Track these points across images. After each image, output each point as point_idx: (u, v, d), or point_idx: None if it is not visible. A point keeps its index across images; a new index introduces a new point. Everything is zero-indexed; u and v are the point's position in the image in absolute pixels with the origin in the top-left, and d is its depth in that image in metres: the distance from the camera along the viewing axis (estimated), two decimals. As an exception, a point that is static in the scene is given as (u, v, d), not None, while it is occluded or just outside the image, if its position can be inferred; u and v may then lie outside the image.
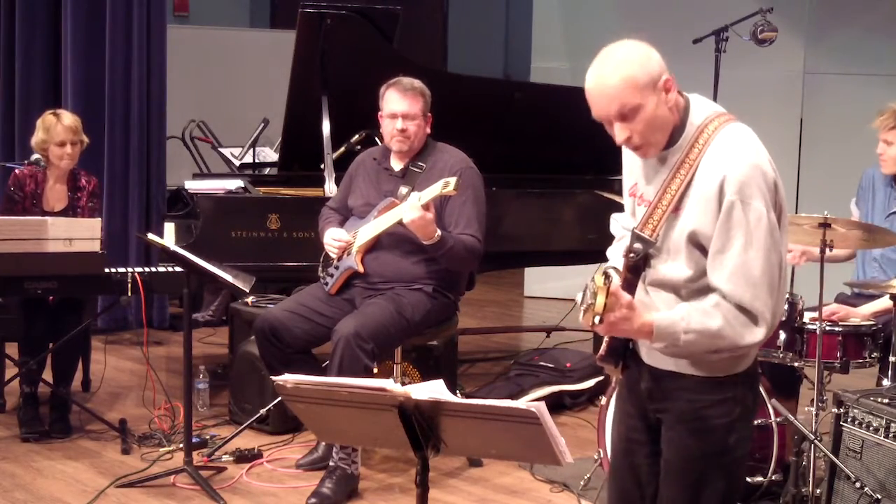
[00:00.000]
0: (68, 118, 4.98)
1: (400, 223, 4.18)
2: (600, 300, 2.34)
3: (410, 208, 4.10)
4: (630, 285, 2.53)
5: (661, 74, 2.47)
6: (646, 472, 2.72)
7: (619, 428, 2.79)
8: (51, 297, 4.86)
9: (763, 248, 2.43)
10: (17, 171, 5.04)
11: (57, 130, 4.92)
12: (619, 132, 2.49)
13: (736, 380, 2.57)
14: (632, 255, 2.53)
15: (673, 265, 2.53)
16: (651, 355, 2.62)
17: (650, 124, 2.47)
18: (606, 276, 2.38)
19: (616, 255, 2.75)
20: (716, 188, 2.44)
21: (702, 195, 2.46)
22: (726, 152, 2.46)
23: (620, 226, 2.85)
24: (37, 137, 4.98)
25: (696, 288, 2.51)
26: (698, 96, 2.58)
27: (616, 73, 2.44)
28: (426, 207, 4.09)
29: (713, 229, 2.45)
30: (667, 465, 2.66)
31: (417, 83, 4.39)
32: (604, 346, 2.63)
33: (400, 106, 4.34)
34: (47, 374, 4.99)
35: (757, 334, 2.45)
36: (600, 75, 2.46)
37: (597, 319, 2.36)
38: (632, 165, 2.67)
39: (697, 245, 2.49)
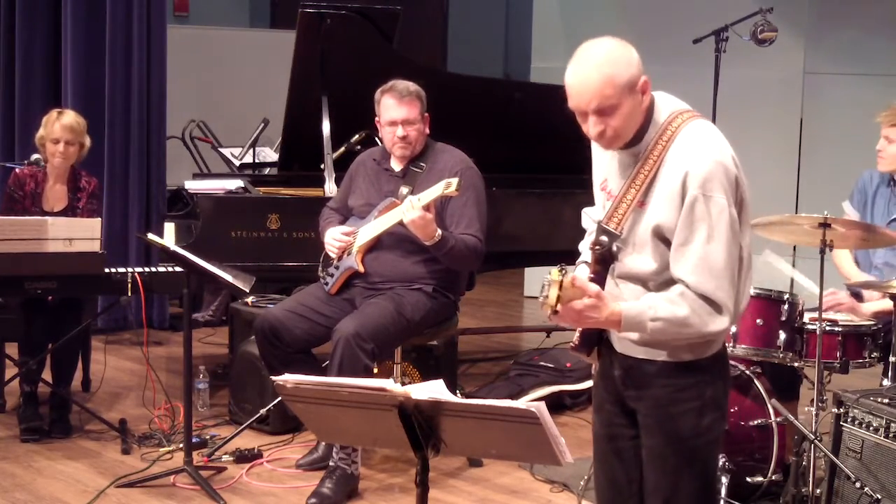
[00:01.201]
0: (68, 117, 4.97)
1: (401, 223, 4.18)
2: (553, 293, 2.41)
3: (411, 208, 4.10)
4: (599, 278, 2.61)
5: (640, 76, 2.54)
6: (630, 456, 2.78)
7: (600, 414, 2.84)
8: (50, 297, 4.86)
9: (725, 240, 2.51)
10: (17, 170, 5.04)
11: (54, 128, 4.92)
12: (593, 126, 2.56)
13: (706, 363, 2.66)
14: (597, 247, 2.61)
15: (639, 258, 2.61)
16: (622, 343, 2.68)
17: (625, 121, 2.55)
18: (561, 269, 2.44)
19: (588, 248, 2.80)
20: (679, 183, 2.52)
21: (666, 190, 2.54)
22: (689, 149, 2.54)
23: (591, 220, 2.91)
24: (38, 133, 5.00)
25: (663, 280, 2.59)
26: (663, 93, 2.65)
27: (600, 70, 2.51)
28: (426, 208, 4.09)
29: (676, 223, 2.53)
30: (646, 451, 2.72)
31: (413, 86, 4.38)
32: (576, 336, 2.71)
33: (399, 113, 4.33)
34: (47, 374, 4.98)
35: (720, 323, 2.54)
36: (583, 71, 2.53)
37: (548, 312, 2.43)
38: (602, 161, 2.75)
39: (662, 239, 2.57)
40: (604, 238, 2.60)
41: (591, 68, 2.51)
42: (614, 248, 2.62)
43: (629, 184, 2.59)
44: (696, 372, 2.64)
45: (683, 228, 2.52)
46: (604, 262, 2.62)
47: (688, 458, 2.67)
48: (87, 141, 5.07)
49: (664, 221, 2.54)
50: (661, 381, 2.64)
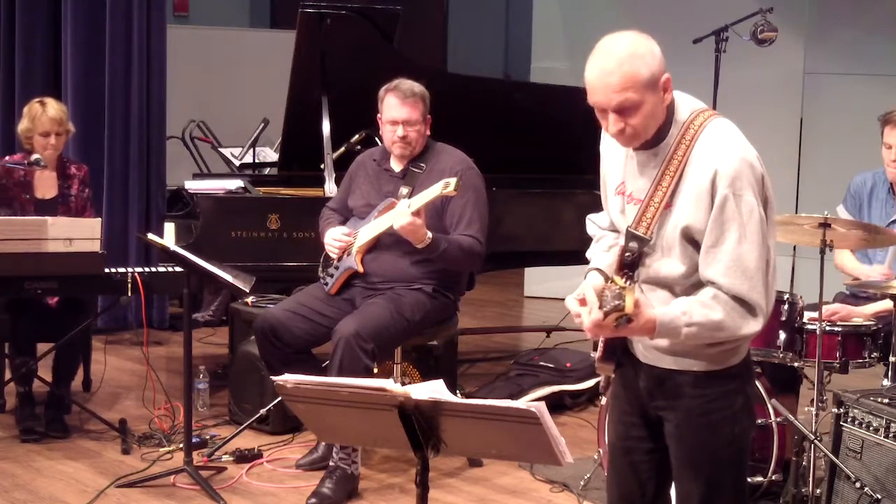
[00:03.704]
0: (53, 109, 4.97)
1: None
2: (630, 300, 2.33)
3: (400, 214, 4.10)
4: None
5: (663, 73, 2.48)
6: (645, 469, 2.75)
7: (618, 427, 2.80)
8: (54, 299, 4.85)
9: (756, 240, 2.47)
10: (6, 164, 5.02)
11: (42, 121, 4.92)
12: (613, 123, 2.50)
13: (734, 371, 2.62)
14: (627, 254, 2.54)
15: (667, 262, 2.55)
16: (649, 354, 2.64)
17: (646, 120, 2.49)
18: (628, 276, 2.38)
19: (598, 256, 2.77)
20: (707, 183, 2.46)
21: (693, 190, 2.49)
22: (716, 147, 2.49)
23: (597, 226, 2.87)
24: (22, 125, 5.00)
25: (690, 284, 2.54)
26: (680, 93, 2.59)
27: (621, 67, 2.44)
28: (417, 213, 4.09)
29: (706, 223, 2.48)
30: (679, 462, 2.69)
31: (417, 87, 4.37)
32: (600, 348, 2.65)
33: (400, 113, 4.33)
34: (46, 374, 4.97)
35: (754, 325, 2.49)
36: (605, 67, 2.46)
37: (624, 320, 2.35)
38: (615, 164, 2.68)
39: (690, 240, 2.51)
40: (633, 244, 2.54)
41: (613, 65, 2.44)
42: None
43: (655, 186, 2.52)
44: (726, 381, 2.61)
45: (714, 229, 2.46)
46: (630, 269, 2.56)
47: (722, 468, 2.65)
48: (71, 127, 5.08)
49: (692, 222, 2.48)
50: (692, 392, 2.60)
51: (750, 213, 2.45)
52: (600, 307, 2.37)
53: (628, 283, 2.36)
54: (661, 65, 2.48)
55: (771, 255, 2.52)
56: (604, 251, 2.76)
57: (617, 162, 2.67)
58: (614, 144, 2.64)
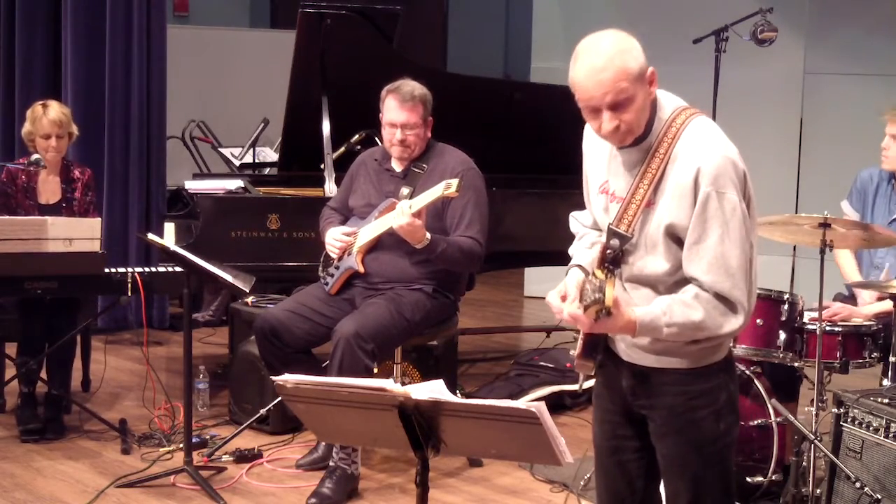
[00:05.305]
0: (54, 111, 4.96)
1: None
2: (609, 293, 2.33)
3: (400, 214, 4.10)
4: None
5: (647, 66, 2.50)
6: (634, 468, 2.76)
7: (603, 427, 2.80)
8: (48, 297, 4.84)
9: (738, 238, 2.48)
10: (8, 166, 5.02)
11: (42, 123, 4.92)
12: (608, 122, 2.48)
13: (716, 368, 2.63)
14: (609, 251, 2.54)
15: (651, 259, 2.56)
16: (631, 352, 2.64)
17: (638, 115, 2.50)
18: (608, 270, 2.38)
19: (580, 253, 2.78)
20: (690, 180, 2.47)
21: (676, 187, 2.49)
22: (698, 144, 2.50)
23: (580, 224, 2.88)
24: (25, 128, 5.00)
25: (674, 281, 2.55)
26: (663, 91, 2.60)
27: (612, 62, 2.45)
28: (417, 214, 4.09)
29: (689, 221, 2.48)
30: (665, 460, 2.69)
31: (418, 90, 4.35)
32: (580, 346, 2.63)
33: (398, 116, 4.32)
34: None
35: (735, 322, 2.51)
36: (596, 65, 2.46)
37: (604, 313, 2.35)
38: (598, 162, 2.69)
39: (675, 238, 2.52)
40: (615, 241, 2.54)
41: (604, 61, 2.44)
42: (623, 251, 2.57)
43: (637, 183, 2.53)
44: (709, 377, 2.62)
45: (697, 226, 2.47)
46: (612, 265, 2.55)
47: (708, 464, 2.66)
48: (75, 129, 5.07)
49: (676, 220, 2.49)
50: (674, 389, 2.61)
51: (732, 211, 2.46)
52: (581, 301, 2.37)
53: (609, 276, 2.36)
54: (645, 59, 2.50)
55: (753, 252, 2.53)
56: (586, 248, 2.78)
57: (600, 160, 2.68)
58: (597, 142, 2.65)
